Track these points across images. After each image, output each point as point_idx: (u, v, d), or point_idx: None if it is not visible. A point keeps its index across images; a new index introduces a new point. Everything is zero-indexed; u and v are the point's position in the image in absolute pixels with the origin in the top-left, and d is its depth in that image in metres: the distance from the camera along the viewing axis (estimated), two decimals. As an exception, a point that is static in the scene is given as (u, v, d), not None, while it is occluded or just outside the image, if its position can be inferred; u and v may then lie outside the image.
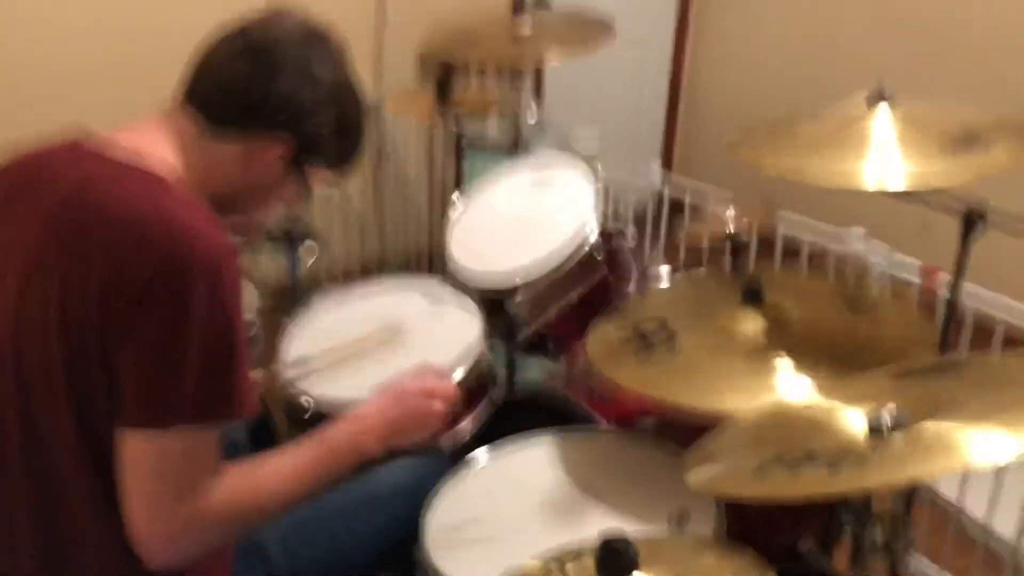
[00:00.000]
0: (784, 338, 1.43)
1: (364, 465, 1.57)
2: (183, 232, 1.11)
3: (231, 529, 1.22)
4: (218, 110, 1.23)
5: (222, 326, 1.12)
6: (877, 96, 1.42)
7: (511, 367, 2.35)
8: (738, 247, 1.72)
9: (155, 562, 1.16)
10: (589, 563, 1.02)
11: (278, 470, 1.25)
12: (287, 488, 1.25)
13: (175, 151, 1.23)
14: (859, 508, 1.20)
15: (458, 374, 1.64)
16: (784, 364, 1.37)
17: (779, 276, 1.68)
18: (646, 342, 1.48)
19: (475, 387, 1.79)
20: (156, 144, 1.22)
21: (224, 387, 1.14)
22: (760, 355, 1.40)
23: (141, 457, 1.12)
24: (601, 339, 1.56)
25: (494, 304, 1.88)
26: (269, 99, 1.22)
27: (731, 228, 1.71)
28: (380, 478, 1.57)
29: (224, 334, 1.12)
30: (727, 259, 1.81)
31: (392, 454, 1.64)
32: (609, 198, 1.94)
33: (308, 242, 2.49)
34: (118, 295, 1.09)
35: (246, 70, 1.22)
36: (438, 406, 1.43)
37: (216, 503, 1.16)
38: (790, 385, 1.33)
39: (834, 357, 1.37)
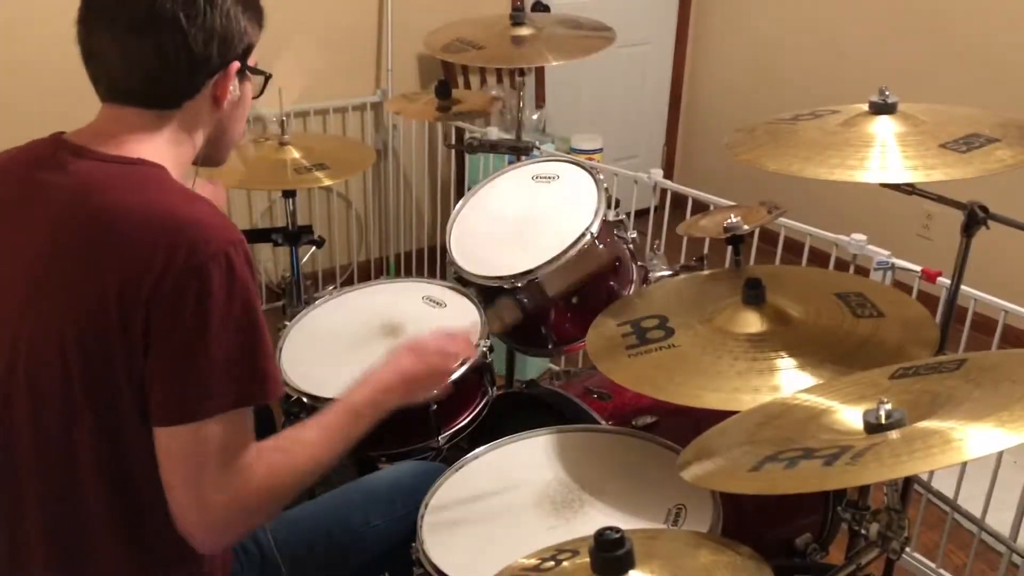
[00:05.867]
0: (784, 336, 1.43)
1: (364, 467, 1.58)
2: (192, 226, 1.12)
3: (274, 503, 1.23)
4: (157, 96, 1.21)
5: (242, 311, 1.13)
6: (880, 107, 1.42)
7: (510, 364, 2.36)
8: (738, 241, 1.72)
9: (206, 547, 1.19)
10: (585, 559, 1.02)
11: (309, 440, 1.27)
12: (319, 455, 1.26)
13: (151, 141, 1.22)
14: (856, 504, 1.20)
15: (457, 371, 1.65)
16: (783, 362, 1.37)
17: (780, 274, 1.68)
18: (645, 338, 1.48)
19: (474, 384, 1.80)
20: (137, 138, 1.21)
21: (254, 369, 1.15)
22: (759, 352, 1.40)
23: (181, 450, 1.13)
24: (600, 335, 1.56)
25: (494, 303, 1.88)
26: (195, 53, 1.19)
27: (731, 220, 1.70)
28: (379, 478, 1.58)
29: (245, 319, 1.14)
30: (728, 256, 1.81)
31: (392, 457, 1.66)
32: (610, 198, 1.94)
33: (308, 242, 2.49)
34: (135, 297, 1.09)
35: (153, 45, 1.17)
36: (451, 364, 1.45)
37: (257, 480, 1.18)
38: (788, 382, 1.33)
39: (834, 356, 1.37)
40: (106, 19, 1.18)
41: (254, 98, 1.34)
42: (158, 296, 1.09)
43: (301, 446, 1.26)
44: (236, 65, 1.23)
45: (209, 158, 1.32)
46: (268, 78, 1.34)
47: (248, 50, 1.26)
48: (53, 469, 1.18)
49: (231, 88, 1.24)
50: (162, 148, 1.22)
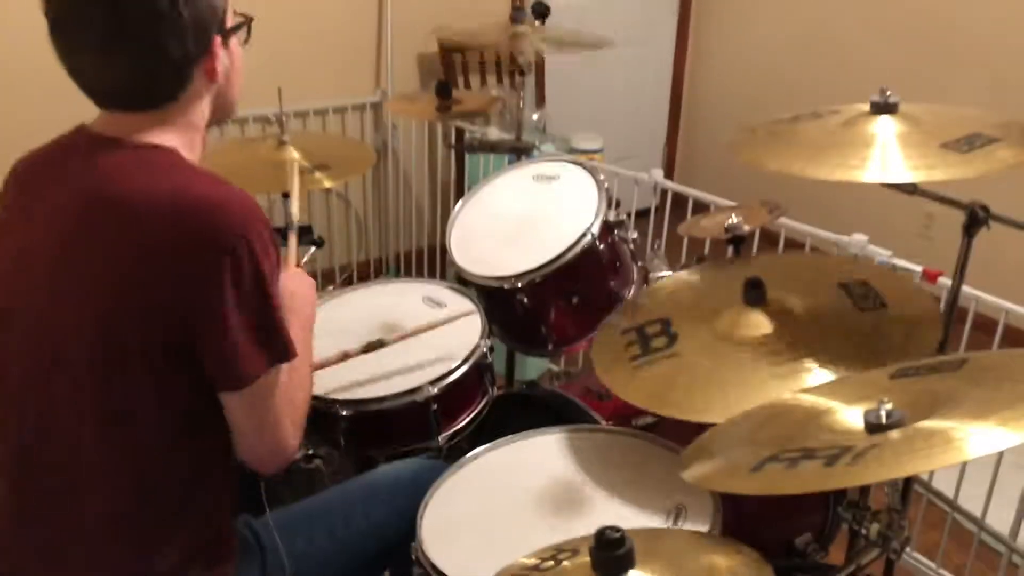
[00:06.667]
0: (787, 333, 1.43)
1: (364, 467, 1.59)
2: (213, 204, 1.15)
3: (305, 410, 1.35)
4: (149, 100, 1.22)
5: (266, 287, 1.18)
6: (881, 107, 1.42)
7: (510, 365, 2.36)
8: (739, 241, 1.72)
9: (274, 469, 1.32)
10: (586, 558, 1.02)
11: (304, 359, 1.35)
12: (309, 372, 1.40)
13: (157, 132, 1.23)
14: (856, 504, 1.20)
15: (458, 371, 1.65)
16: (788, 368, 1.36)
17: (781, 265, 1.68)
18: (648, 347, 1.47)
19: (474, 384, 1.80)
20: (144, 133, 1.22)
21: (277, 334, 1.22)
22: (762, 351, 1.40)
23: (243, 411, 1.24)
24: (604, 344, 1.55)
25: (494, 303, 1.88)
26: (175, 57, 1.18)
27: (732, 221, 1.71)
28: (379, 474, 1.58)
29: (269, 292, 1.19)
30: (728, 255, 1.80)
31: (392, 457, 1.66)
32: (611, 198, 1.94)
33: (308, 243, 2.49)
34: (158, 281, 1.13)
35: (129, 62, 1.17)
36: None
37: (298, 403, 1.31)
38: (790, 382, 1.32)
39: (839, 353, 1.36)
40: (74, 41, 1.17)
41: (244, 46, 1.34)
42: (184, 278, 1.13)
43: (303, 364, 1.35)
44: (219, 41, 1.24)
45: (220, 117, 1.34)
46: (251, 22, 1.33)
47: (224, 17, 1.25)
48: (60, 444, 1.22)
49: (220, 60, 1.25)
50: (170, 135, 1.24)
